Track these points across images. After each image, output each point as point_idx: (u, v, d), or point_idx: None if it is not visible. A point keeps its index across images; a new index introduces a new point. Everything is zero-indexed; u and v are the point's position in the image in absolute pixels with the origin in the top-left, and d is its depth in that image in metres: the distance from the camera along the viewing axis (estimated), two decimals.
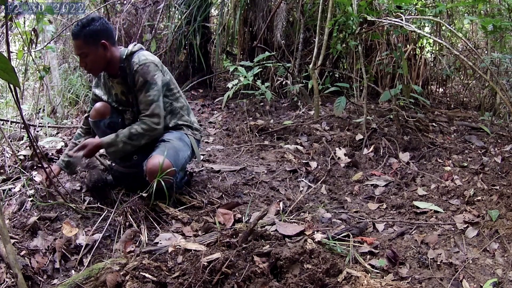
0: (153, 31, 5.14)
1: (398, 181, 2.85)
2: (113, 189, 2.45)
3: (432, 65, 5.31)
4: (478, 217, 2.24)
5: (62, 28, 4.55)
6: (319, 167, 3.06)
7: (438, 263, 1.90)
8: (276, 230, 2.03)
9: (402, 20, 3.02)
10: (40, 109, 4.11)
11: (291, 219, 2.25)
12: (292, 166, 3.03)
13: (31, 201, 2.27)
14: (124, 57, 2.31)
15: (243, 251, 1.74)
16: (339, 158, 3.21)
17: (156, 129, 2.27)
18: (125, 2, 5.32)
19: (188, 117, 2.52)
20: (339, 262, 1.75)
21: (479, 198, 2.44)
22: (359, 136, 3.51)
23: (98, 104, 2.45)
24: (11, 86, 1.73)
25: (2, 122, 3.53)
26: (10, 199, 2.32)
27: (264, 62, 4.31)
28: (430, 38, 3.98)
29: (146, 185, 2.20)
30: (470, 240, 2.09)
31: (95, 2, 5.28)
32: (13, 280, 1.67)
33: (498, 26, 3.01)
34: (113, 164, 2.56)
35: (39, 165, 2.58)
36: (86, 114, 2.64)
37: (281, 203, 2.44)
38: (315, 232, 2.02)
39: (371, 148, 3.34)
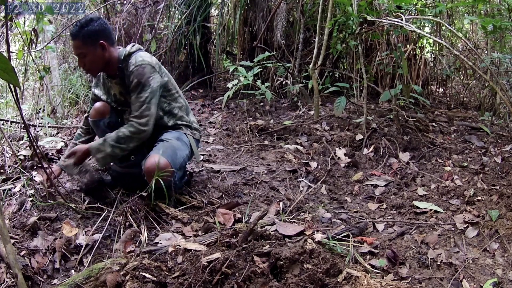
0: (153, 31, 5.14)
1: (398, 181, 2.85)
2: (113, 190, 2.45)
3: (432, 65, 5.31)
4: (478, 217, 2.24)
5: (62, 28, 4.55)
6: (319, 167, 3.06)
7: (438, 263, 1.90)
8: (276, 230, 2.03)
9: (402, 20, 3.02)
10: (40, 109, 4.11)
11: (291, 219, 2.25)
12: (292, 166, 3.03)
13: (31, 201, 2.27)
14: (122, 57, 2.31)
15: (243, 251, 1.74)
16: (339, 158, 3.21)
17: (144, 131, 2.25)
18: (125, 2, 5.32)
19: (187, 117, 2.52)
20: (339, 262, 1.75)
21: (479, 198, 2.44)
22: (359, 136, 3.51)
23: (97, 104, 2.45)
24: (11, 86, 1.73)
25: (2, 122, 3.53)
26: (10, 199, 2.32)
27: (264, 62, 4.31)
28: (430, 38, 3.98)
29: (145, 185, 2.20)
30: (470, 240, 2.09)
31: (95, 2, 5.28)
32: (13, 280, 1.67)
33: (498, 26, 3.01)
34: (112, 164, 2.57)
35: (39, 165, 2.58)
36: (86, 114, 2.64)
37: (281, 203, 2.44)
38: (315, 232, 2.02)
39: (371, 148, 3.34)
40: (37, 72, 3.33)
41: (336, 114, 3.82)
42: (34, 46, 3.25)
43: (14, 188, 2.43)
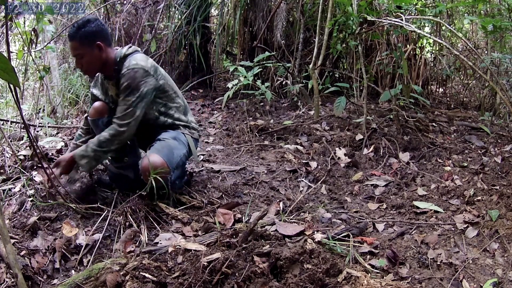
0: (153, 31, 5.14)
1: (398, 181, 2.85)
2: (112, 190, 2.45)
3: (432, 65, 5.31)
4: (478, 217, 2.24)
5: (62, 28, 4.55)
6: (319, 167, 3.06)
7: (438, 263, 1.90)
8: (276, 230, 2.03)
9: (402, 20, 3.02)
10: (40, 109, 4.11)
11: (291, 219, 2.25)
12: (292, 166, 3.03)
13: (31, 201, 2.27)
14: (118, 59, 2.31)
15: (243, 251, 1.74)
16: (339, 158, 3.21)
17: (124, 133, 2.25)
18: (125, 2, 5.32)
19: (184, 116, 2.51)
20: (339, 262, 1.75)
21: (479, 198, 2.44)
22: (359, 136, 3.51)
23: (96, 103, 2.46)
24: (11, 86, 1.73)
25: (2, 122, 3.53)
26: (10, 199, 2.32)
27: (264, 62, 4.31)
28: (430, 38, 3.98)
29: (139, 187, 2.22)
30: (470, 240, 2.09)
31: (95, 2, 5.28)
32: (13, 280, 1.67)
33: (498, 26, 3.01)
34: (108, 164, 2.58)
35: (39, 165, 2.58)
36: (86, 114, 2.64)
37: (281, 203, 2.44)
38: (315, 232, 2.02)
39: (371, 148, 3.34)
40: (37, 72, 3.33)
41: (336, 114, 3.82)
42: (34, 46, 3.25)
43: (14, 188, 2.43)
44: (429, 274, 1.83)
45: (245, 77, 3.95)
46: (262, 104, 4.50)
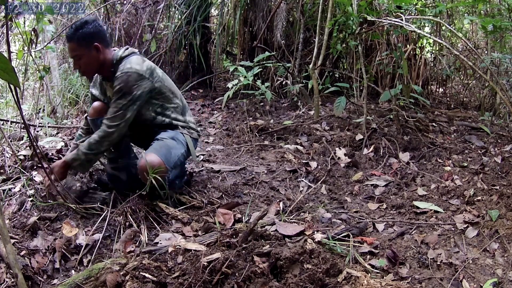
0: (153, 31, 5.14)
1: (398, 181, 2.85)
2: (112, 190, 2.45)
3: (432, 65, 5.31)
4: (478, 217, 2.24)
5: (62, 28, 4.55)
6: (319, 167, 3.06)
7: (438, 263, 1.91)
8: (276, 230, 2.03)
9: (402, 20, 3.02)
10: (40, 109, 4.11)
11: (291, 219, 2.25)
12: (292, 166, 3.03)
13: (31, 201, 2.27)
14: (114, 62, 2.32)
15: (243, 251, 1.74)
16: (339, 158, 3.21)
17: (113, 133, 2.26)
18: (125, 2, 5.32)
19: (182, 116, 2.51)
20: (339, 262, 1.75)
21: (479, 198, 2.44)
22: (359, 136, 3.51)
23: (96, 103, 2.46)
24: (11, 86, 1.73)
25: (2, 122, 3.53)
26: (10, 199, 2.32)
27: (264, 62, 4.31)
28: (430, 38, 3.98)
29: (137, 187, 2.23)
30: (470, 240, 2.09)
31: (95, 2, 5.28)
32: (13, 280, 1.67)
33: (498, 26, 3.01)
34: (106, 164, 2.58)
35: (39, 165, 2.58)
36: (86, 114, 2.64)
37: (281, 203, 2.44)
38: (315, 232, 2.02)
39: (371, 148, 3.34)
40: (37, 72, 3.33)
41: (336, 114, 3.82)
42: (34, 46, 3.25)
43: (14, 188, 2.43)
44: (429, 274, 1.83)
45: (245, 77, 3.95)
46: (262, 104, 4.50)
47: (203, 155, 3.24)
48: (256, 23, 4.97)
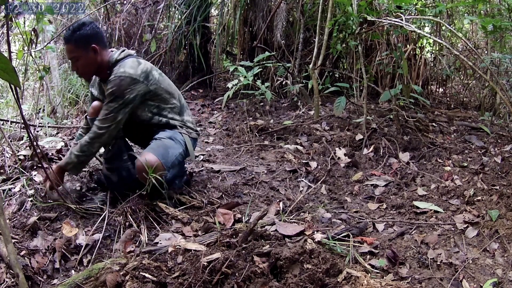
0: (153, 31, 5.14)
1: (398, 181, 2.85)
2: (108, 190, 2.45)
3: (432, 65, 5.31)
4: (478, 217, 2.24)
5: (62, 28, 4.55)
6: (319, 167, 3.06)
7: (438, 263, 1.91)
8: (276, 230, 2.03)
9: (402, 20, 3.02)
10: (40, 109, 4.11)
11: (291, 219, 2.25)
12: (292, 166, 3.03)
13: (31, 201, 2.27)
14: (110, 64, 2.32)
15: (243, 251, 1.74)
16: (339, 158, 3.21)
17: (104, 135, 2.27)
18: (125, 2, 5.32)
19: (180, 116, 2.51)
20: (339, 262, 1.75)
21: (479, 198, 2.44)
22: (359, 136, 3.51)
23: (95, 103, 2.46)
24: (12, 86, 1.73)
25: (2, 122, 3.53)
26: (10, 199, 2.32)
27: (264, 62, 4.30)
28: (430, 38, 3.98)
29: (129, 188, 2.25)
30: (470, 240, 2.09)
31: (95, 2, 5.28)
32: (13, 280, 1.67)
33: (498, 26, 3.01)
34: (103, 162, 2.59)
35: (39, 165, 2.58)
36: (86, 114, 2.65)
37: (281, 203, 2.44)
38: (315, 232, 2.02)
39: (371, 148, 3.34)
40: (37, 72, 3.33)
41: (336, 114, 3.82)
42: (34, 46, 3.25)
43: (14, 188, 2.43)
44: (429, 274, 1.83)
45: (245, 77, 3.95)
46: (262, 104, 4.50)
47: (203, 155, 3.24)
48: (256, 23, 4.97)
